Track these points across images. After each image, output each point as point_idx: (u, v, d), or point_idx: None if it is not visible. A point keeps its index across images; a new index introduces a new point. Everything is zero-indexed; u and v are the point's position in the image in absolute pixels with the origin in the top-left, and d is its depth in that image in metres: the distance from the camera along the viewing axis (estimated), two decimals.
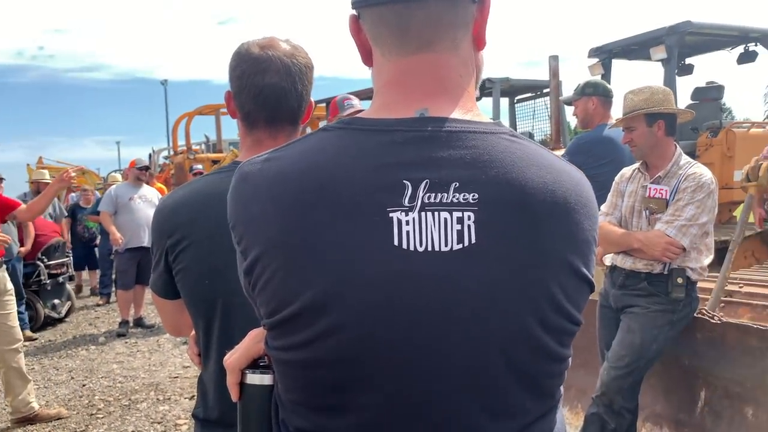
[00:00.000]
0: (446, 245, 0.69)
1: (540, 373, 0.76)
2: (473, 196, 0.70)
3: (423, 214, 0.69)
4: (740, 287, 3.88)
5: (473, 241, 0.69)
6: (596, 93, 3.52)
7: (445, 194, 0.70)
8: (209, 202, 1.25)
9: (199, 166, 7.60)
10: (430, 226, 0.69)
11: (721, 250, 3.60)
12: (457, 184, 0.70)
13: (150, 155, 16.48)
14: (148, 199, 6.72)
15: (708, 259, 2.71)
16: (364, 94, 8.17)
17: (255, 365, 0.86)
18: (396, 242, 0.69)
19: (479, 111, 0.79)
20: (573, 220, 0.75)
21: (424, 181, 0.70)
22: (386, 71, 0.79)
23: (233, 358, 0.87)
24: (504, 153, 0.73)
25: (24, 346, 6.33)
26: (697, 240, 2.60)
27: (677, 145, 2.74)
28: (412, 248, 0.69)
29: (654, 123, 2.65)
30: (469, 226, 0.69)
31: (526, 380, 0.74)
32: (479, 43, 0.81)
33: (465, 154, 0.72)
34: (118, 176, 9.93)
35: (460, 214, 0.69)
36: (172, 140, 13.14)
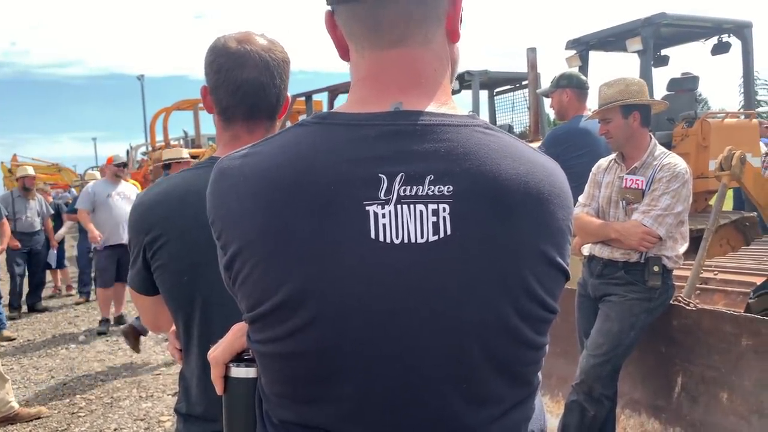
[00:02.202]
0: (422, 237, 0.71)
1: (517, 360, 0.77)
2: (448, 188, 0.71)
3: (399, 206, 0.71)
4: (715, 274, 3.96)
5: (448, 232, 0.71)
6: (570, 85, 3.56)
7: (421, 187, 0.71)
8: (186, 198, 1.24)
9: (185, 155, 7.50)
10: (406, 219, 0.70)
11: (696, 239, 3.66)
12: (432, 176, 0.71)
13: (128, 151, 16.27)
14: (127, 196, 6.64)
15: (683, 248, 2.76)
16: (343, 88, 8.15)
17: (239, 359, 0.87)
18: (372, 235, 0.70)
19: (454, 104, 0.81)
20: (547, 210, 0.76)
21: (400, 175, 0.71)
22: (361, 66, 0.80)
23: (217, 352, 0.88)
24: (478, 145, 0.74)
25: (1, 345, 6.26)
26: (673, 229, 2.64)
27: (652, 136, 2.79)
28: (388, 241, 0.70)
29: (629, 114, 2.69)
30: (444, 218, 0.71)
31: (503, 368, 0.76)
32: (453, 36, 0.82)
33: (439, 147, 0.73)
34: (96, 173, 9.78)
35: (435, 206, 0.71)
36: (150, 136, 13.00)
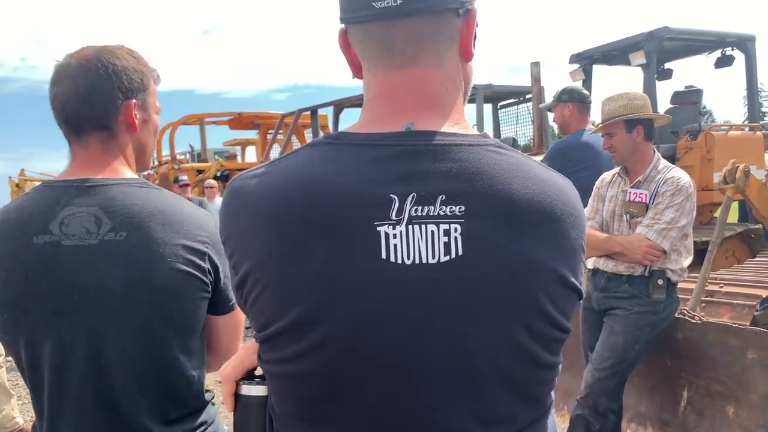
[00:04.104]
0: (434, 258, 0.70)
1: (529, 380, 0.77)
2: (460, 208, 0.71)
3: (410, 227, 0.70)
4: (720, 287, 3.95)
5: (460, 252, 0.70)
6: (572, 99, 3.58)
7: (432, 207, 0.71)
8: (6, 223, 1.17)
9: (185, 177, 7.57)
10: (418, 239, 0.70)
11: (701, 251, 3.66)
12: (444, 196, 0.71)
13: None
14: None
15: (687, 261, 2.76)
16: (349, 102, 8.20)
17: (250, 376, 0.87)
18: (384, 255, 0.70)
19: (466, 123, 0.80)
20: (559, 229, 0.75)
21: (411, 195, 0.71)
22: (373, 85, 0.80)
23: (228, 369, 0.88)
24: (490, 165, 0.74)
25: (8, 360, 6.27)
26: (677, 242, 2.65)
27: (656, 150, 2.80)
28: (399, 261, 0.70)
29: (633, 129, 2.71)
30: (456, 238, 0.70)
31: (515, 388, 0.75)
32: (466, 55, 0.81)
33: (451, 167, 0.73)
34: None
35: (447, 226, 0.70)
36: (157, 150, 13.06)
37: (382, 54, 0.78)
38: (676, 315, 2.85)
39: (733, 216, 7.14)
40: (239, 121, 12.15)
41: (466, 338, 0.72)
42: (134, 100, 1.24)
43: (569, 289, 0.77)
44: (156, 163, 13.58)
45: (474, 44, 0.83)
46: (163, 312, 1.15)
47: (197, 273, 1.17)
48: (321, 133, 9.84)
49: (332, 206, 0.71)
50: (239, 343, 1.35)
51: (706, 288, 3.71)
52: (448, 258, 0.70)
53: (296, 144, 11.93)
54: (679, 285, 2.84)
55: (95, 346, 1.13)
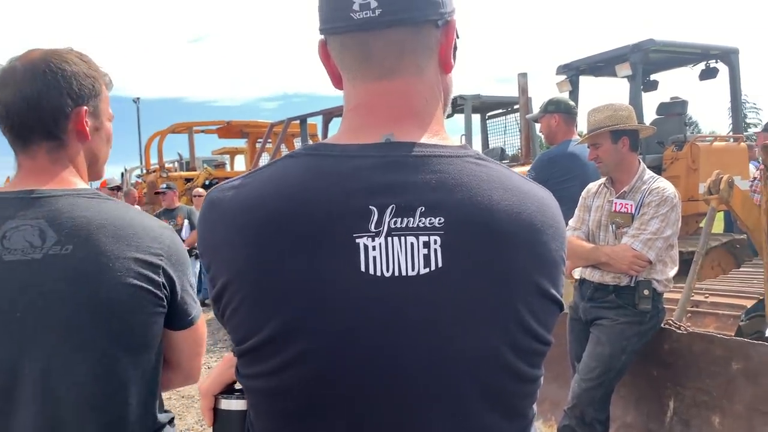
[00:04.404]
0: (413, 270, 0.69)
1: (511, 394, 0.76)
2: (439, 220, 0.70)
3: (389, 239, 0.70)
4: (706, 297, 3.98)
5: (440, 265, 0.70)
6: (558, 110, 3.60)
7: (412, 219, 0.70)
8: None
9: (164, 185, 7.52)
10: (397, 251, 0.70)
11: (688, 261, 3.69)
12: (423, 208, 0.70)
13: (122, 174, 16.26)
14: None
15: (673, 271, 2.78)
16: (338, 112, 8.21)
17: (229, 390, 0.86)
18: (363, 268, 0.69)
19: (446, 134, 0.80)
20: (539, 241, 0.75)
21: (390, 206, 0.70)
22: (353, 96, 0.80)
23: (206, 383, 0.87)
24: (470, 176, 0.73)
25: None
26: (663, 253, 2.66)
27: (641, 161, 2.82)
28: (378, 273, 0.69)
29: (619, 140, 2.73)
30: (435, 250, 0.70)
31: (497, 402, 0.74)
32: (446, 67, 0.81)
33: (431, 178, 0.72)
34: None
35: (426, 238, 0.70)
36: (145, 159, 13.01)
37: (361, 65, 0.78)
38: (662, 325, 2.86)
39: (719, 226, 7.22)
40: (228, 130, 12.12)
41: (447, 352, 0.71)
42: (85, 107, 1.18)
43: (550, 301, 0.76)
44: (144, 171, 13.52)
45: (454, 56, 0.83)
46: (113, 329, 1.10)
47: (150, 287, 1.12)
48: (310, 142, 9.82)
49: (310, 218, 0.70)
50: (201, 359, 1.32)
51: (691, 298, 3.73)
52: (427, 270, 0.70)
53: (285, 152, 11.91)
54: (665, 295, 2.86)
55: (40, 367, 1.07)
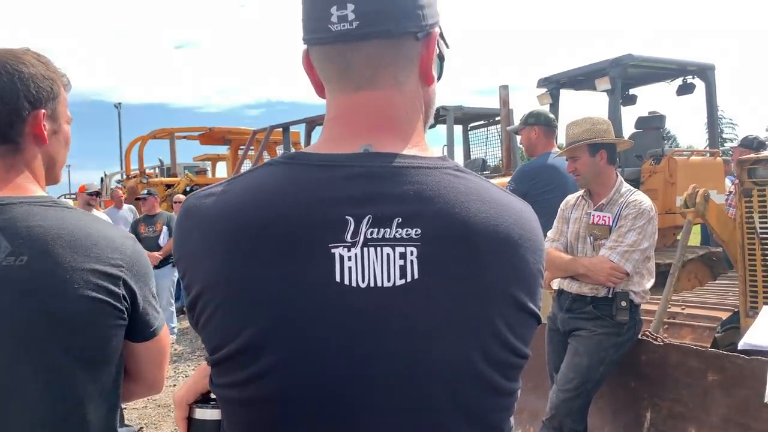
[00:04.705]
0: (389, 281, 0.69)
1: (486, 407, 0.75)
2: (416, 231, 0.70)
3: (365, 249, 0.69)
4: (683, 309, 4.03)
5: (416, 276, 0.69)
6: (538, 123, 3.64)
7: (388, 230, 0.70)
8: None
9: (145, 191, 7.43)
10: (373, 262, 0.69)
11: (666, 273, 3.74)
12: (400, 219, 0.70)
13: (102, 179, 16.07)
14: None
15: (650, 283, 2.81)
16: (321, 120, 8.21)
17: (204, 399, 0.85)
18: (338, 278, 0.69)
19: (426, 146, 0.80)
20: (517, 253, 0.75)
21: (367, 217, 0.70)
22: (333, 106, 0.80)
23: (180, 393, 0.86)
24: (447, 188, 0.73)
25: None
26: (640, 264, 2.70)
27: (618, 174, 2.86)
28: (354, 284, 0.69)
29: (596, 153, 2.77)
30: (411, 261, 0.69)
31: (472, 416, 0.74)
32: (427, 78, 0.81)
33: (408, 189, 0.72)
34: (69, 202, 9.62)
35: (402, 249, 0.70)
36: (125, 164, 12.87)
37: (341, 76, 0.78)
38: (639, 336, 2.89)
39: (696, 239, 7.32)
40: (210, 136, 12.05)
41: (421, 364, 0.70)
42: (43, 110, 1.14)
43: (527, 314, 0.76)
44: (124, 177, 13.37)
45: (441, 67, 0.84)
46: (69, 343, 1.06)
47: (109, 299, 1.08)
48: (292, 150, 9.81)
49: (286, 227, 0.70)
50: (164, 371, 1.29)
51: (668, 310, 3.78)
52: (403, 281, 0.69)
53: (267, 160, 11.86)
54: (643, 307, 2.89)
55: None
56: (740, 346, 2.00)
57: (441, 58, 0.84)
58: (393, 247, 0.70)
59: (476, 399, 0.73)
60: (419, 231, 0.70)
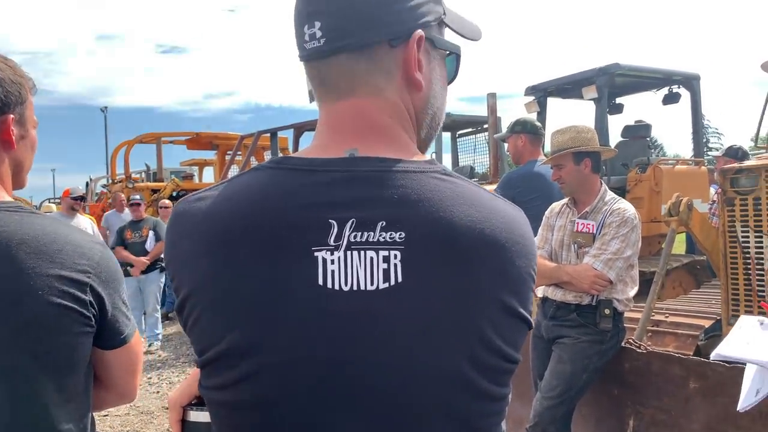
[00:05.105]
0: (372, 284, 0.69)
1: (475, 413, 0.74)
2: (400, 234, 0.70)
3: (349, 253, 0.69)
4: (666, 317, 4.06)
5: (400, 279, 0.69)
6: (525, 131, 3.66)
7: (372, 233, 0.70)
8: None
9: (136, 196, 7.37)
10: (356, 265, 0.69)
11: (650, 281, 3.76)
12: (384, 222, 0.70)
13: (87, 183, 15.94)
14: (82, 230, 6.47)
15: (633, 291, 2.82)
16: (309, 126, 8.21)
17: (199, 402, 0.86)
18: (321, 281, 0.69)
19: (414, 151, 0.80)
20: (504, 257, 0.74)
21: (351, 220, 0.70)
22: (320, 115, 0.82)
23: (174, 395, 0.87)
24: (433, 192, 0.73)
25: None
26: (623, 272, 2.71)
27: (603, 182, 2.88)
28: (337, 287, 0.69)
29: (581, 161, 2.78)
30: (395, 265, 0.69)
31: (459, 421, 0.73)
32: (414, 84, 0.80)
33: (393, 193, 0.72)
34: (52, 206, 9.54)
35: (386, 252, 0.69)
36: (111, 168, 12.78)
37: (320, 89, 0.81)
38: (622, 344, 2.90)
39: (681, 248, 7.39)
40: (197, 141, 11.99)
41: (405, 368, 0.70)
42: (11, 115, 1.13)
43: (516, 319, 0.75)
44: (110, 181, 13.27)
45: (454, 66, 0.85)
46: (34, 350, 1.04)
47: (75, 306, 1.07)
48: (281, 156, 9.77)
49: (269, 231, 0.70)
50: (136, 379, 1.28)
51: (652, 318, 3.80)
52: (387, 285, 0.69)
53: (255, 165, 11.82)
54: (626, 314, 2.90)
55: None
56: (712, 357, 2.02)
57: (454, 56, 0.85)
58: (377, 251, 0.69)
59: (463, 404, 0.72)
60: (403, 234, 0.70)
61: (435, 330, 0.70)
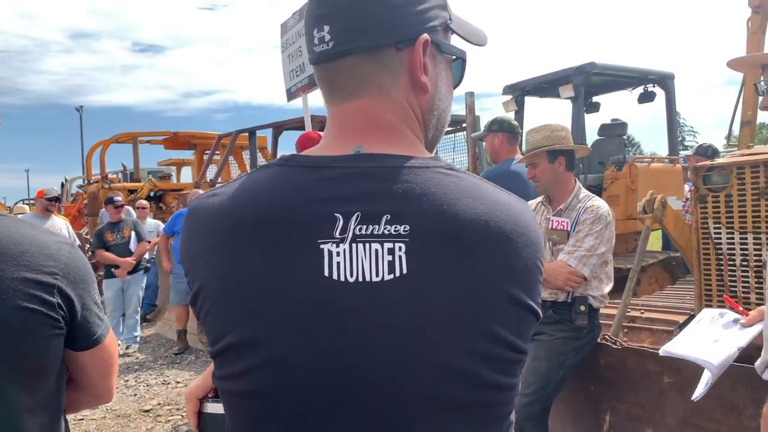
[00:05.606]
0: (377, 276, 0.70)
1: (481, 403, 0.75)
2: (405, 227, 0.71)
3: (354, 245, 0.71)
4: (642, 313, 4.11)
5: (404, 271, 0.70)
6: (501, 129, 3.68)
7: (377, 226, 0.71)
8: None
9: (119, 198, 7.19)
10: (361, 258, 0.70)
11: (626, 277, 3.80)
12: (389, 216, 0.72)
13: (63, 184, 15.69)
14: (56, 232, 6.36)
15: (608, 287, 2.85)
16: (289, 125, 8.16)
17: (216, 394, 0.88)
18: (326, 273, 0.70)
19: (420, 149, 0.81)
20: (509, 249, 0.75)
21: (356, 214, 0.72)
22: (329, 116, 0.84)
23: (191, 387, 0.90)
24: (437, 186, 0.74)
25: None
26: (597, 269, 2.73)
27: (577, 180, 2.90)
28: (342, 279, 0.70)
29: (555, 159, 2.80)
30: (400, 257, 0.70)
31: (465, 412, 0.74)
32: (420, 86, 0.81)
33: (397, 187, 0.73)
34: (26, 207, 9.37)
35: (391, 245, 0.71)
36: (86, 168, 12.60)
37: (328, 90, 0.83)
38: (598, 340, 2.93)
39: (657, 244, 7.48)
40: (175, 141, 11.88)
41: (412, 359, 0.70)
42: None
43: (523, 309, 0.76)
44: (85, 182, 13.08)
45: (459, 70, 0.87)
46: (1, 355, 1.02)
47: (43, 309, 1.05)
48: (259, 155, 9.73)
49: (277, 224, 0.72)
50: (112, 379, 1.27)
51: (628, 314, 3.84)
52: (392, 276, 0.70)
53: (233, 165, 11.76)
54: (603, 311, 2.93)
55: None
56: (660, 353, 2.06)
57: (460, 61, 0.87)
58: (381, 243, 0.71)
59: (469, 395, 0.73)
60: (408, 228, 0.71)
61: (439, 320, 0.71)
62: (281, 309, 0.70)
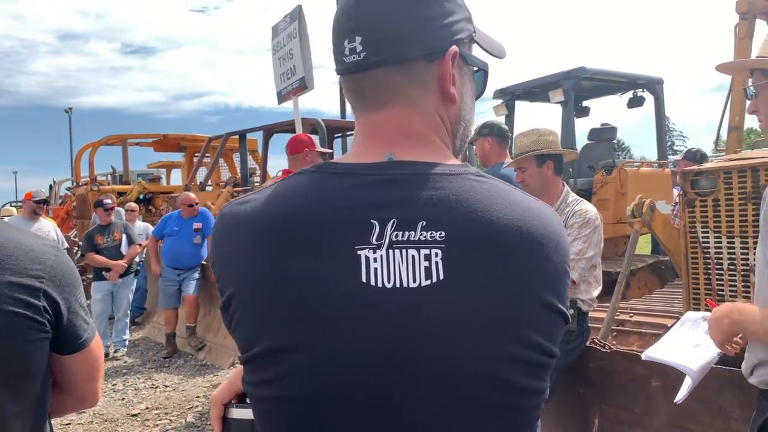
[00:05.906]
0: (414, 281, 0.70)
1: (515, 408, 0.75)
2: (440, 234, 0.72)
3: (391, 251, 0.71)
4: (631, 316, 4.12)
5: (441, 277, 0.71)
6: (492, 133, 3.69)
7: (413, 232, 0.72)
8: None
9: (109, 200, 7.11)
10: (398, 263, 0.71)
11: (614, 281, 3.82)
12: (425, 222, 0.72)
13: (51, 186, 15.58)
14: (44, 234, 6.31)
15: (597, 291, 2.86)
16: (279, 127, 8.14)
17: (240, 400, 0.89)
18: (364, 279, 0.70)
19: (449, 155, 0.83)
20: (541, 254, 0.76)
21: (392, 220, 0.72)
22: (358, 124, 0.85)
23: (216, 393, 0.90)
24: (470, 192, 0.75)
25: None
26: (586, 273, 2.74)
27: (565, 184, 2.91)
28: (380, 285, 0.70)
29: (543, 163, 2.81)
30: (436, 263, 0.71)
31: (498, 415, 0.74)
32: (448, 97, 0.83)
33: (432, 194, 0.74)
34: (13, 210, 9.28)
35: (427, 251, 0.71)
36: (75, 171, 12.51)
37: (358, 100, 0.84)
38: (587, 344, 2.93)
39: (646, 248, 7.53)
40: (164, 143, 11.83)
41: (447, 363, 0.71)
42: None
43: (554, 313, 0.77)
44: (74, 184, 12.99)
45: (482, 82, 0.89)
46: None
47: (29, 313, 1.04)
48: (250, 158, 9.70)
49: (312, 231, 0.72)
50: (98, 383, 1.26)
51: (617, 317, 3.86)
52: (429, 282, 0.71)
53: (224, 167, 11.71)
54: (592, 314, 2.93)
55: None
56: (643, 357, 2.07)
57: (482, 72, 0.88)
58: (418, 249, 0.71)
59: (504, 400, 0.74)
60: (443, 234, 0.72)
61: (476, 325, 0.72)
62: (320, 314, 0.70)
